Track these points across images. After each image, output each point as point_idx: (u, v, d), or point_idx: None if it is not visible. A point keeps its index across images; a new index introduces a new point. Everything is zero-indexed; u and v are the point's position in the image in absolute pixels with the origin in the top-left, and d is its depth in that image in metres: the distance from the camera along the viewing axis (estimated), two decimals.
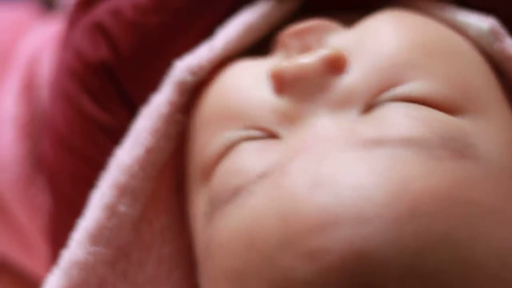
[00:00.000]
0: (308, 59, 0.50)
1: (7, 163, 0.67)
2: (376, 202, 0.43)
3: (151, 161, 0.53)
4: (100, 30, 0.58)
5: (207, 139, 0.52)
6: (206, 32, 0.56)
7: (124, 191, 0.53)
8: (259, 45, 0.56)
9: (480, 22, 0.53)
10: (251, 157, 0.49)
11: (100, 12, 0.58)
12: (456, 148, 0.46)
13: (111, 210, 0.52)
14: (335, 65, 0.50)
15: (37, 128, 0.67)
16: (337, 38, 0.52)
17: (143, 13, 0.56)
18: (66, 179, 0.59)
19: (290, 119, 0.49)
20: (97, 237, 0.52)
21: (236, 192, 0.48)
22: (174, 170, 0.56)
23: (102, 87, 0.57)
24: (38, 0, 0.83)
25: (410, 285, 0.42)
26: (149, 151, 0.53)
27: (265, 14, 0.55)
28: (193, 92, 0.55)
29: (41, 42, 0.70)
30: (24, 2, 0.82)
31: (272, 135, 0.50)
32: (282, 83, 0.50)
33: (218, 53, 0.54)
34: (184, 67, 0.54)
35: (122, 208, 0.53)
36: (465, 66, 0.51)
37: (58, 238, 0.55)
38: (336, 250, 0.42)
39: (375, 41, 0.51)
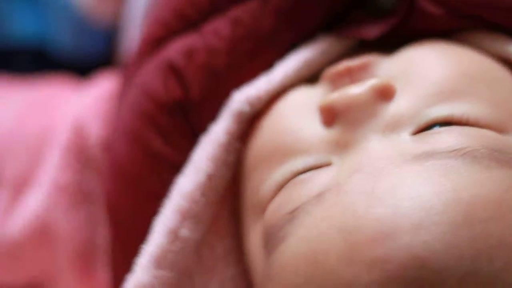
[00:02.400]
0: (358, 90, 0.52)
1: (69, 232, 0.68)
2: (431, 210, 0.45)
3: (212, 187, 0.55)
4: (172, 70, 0.59)
5: (260, 178, 0.54)
6: (268, 66, 0.58)
7: (186, 215, 0.54)
8: (316, 77, 0.58)
9: None
10: (305, 184, 0.51)
11: (172, 53, 0.60)
12: (504, 160, 0.48)
13: (174, 234, 0.54)
14: (384, 93, 0.52)
15: (87, 191, 0.68)
16: (384, 69, 0.54)
17: (215, 55, 0.58)
18: (133, 217, 0.60)
19: (343, 146, 0.51)
20: (161, 261, 0.54)
21: (292, 215, 0.49)
22: (233, 196, 0.58)
23: (173, 126, 0.59)
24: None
25: (468, 286, 0.44)
26: (210, 177, 0.55)
27: (323, 51, 0.58)
28: (251, 122, 0.57)
29: (83, 107, 0.71)
30: (55, 75, 0.83)
31: (325, 163, 0.51)
32: (332, 115, 0.52)
33: (275, 86, 0.56)
34: (242, 98, 0.56)
35: (184, 232, 0.54)
36: (504, 88, 0.53)
37: (123, 274, 0.56)
38: (397, 258, 0.44)
39: (421, 70, 0.53)
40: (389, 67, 0.54)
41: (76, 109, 0.71)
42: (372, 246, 0.45)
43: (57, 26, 0.94)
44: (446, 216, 0.44)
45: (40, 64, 0.94)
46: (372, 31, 0.57)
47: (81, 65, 0.93)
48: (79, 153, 0.69)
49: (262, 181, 0.54)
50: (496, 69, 0.55)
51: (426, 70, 0.53)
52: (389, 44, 0.57)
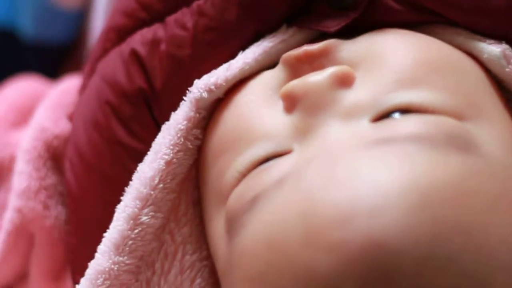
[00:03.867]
0: (317, 77, 0.52)
1: (43, 234, 0.67)
2: (389, 195, 0.45)
3: (171, 173, 0.56)
4: (135, 60, 0.59)
5: (223, 166, 0.54)
6: (231, 57, 0.58)
7: (146, 202, 0.55)
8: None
9: (493, 47, 0.55)
10: (266, 172, 0.51)
11: (136, 43, 0.60)
12: (461, 145, 0.48)
13: (134, 221, 0.55)
14: (343, 80, 0.52)
15: (62, 194, 0.68)
16: (345, 54, 0.54)
17: (178, 46, 0.59)
18: (95, 204, 0.61)
19: (303, 132, 0.52)
20: (120, 247, 0.54)
21: (253, 202, 0.50)
22: (194, 183, 0.58)
23: (135, 115, 0.59)
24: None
25: (425, 271, 0.44)
26: (168, 164, 0.55)
27: (283, 40, 0.58)
28: (212, 110, 0.57)
29: (41, 117, 0.69)
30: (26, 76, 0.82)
31: (286, 151, 0.52)
32: (293, 102, 0.53)
33: (234, 74, 0.57)
34: (201, 85, 0.56)
35: (144, 218, 0.55)
36: (466, 78, 0.54)
37: (84, 262, 0.56)
38: (355, 241, 0.44)
39: (381, 57, 0.53)
40: (349, 53, 0.54)
41: (37, 117, 0.70)
42: (330, 230, 0.45)
43: (23, 9, 0.94)
44: (403, 200, 0.45)
45: (9, 46, 0.94)
46: (333, 25, 0.57)
47: (49, 49, 0.92)
48: (46, 158, 0.68)
49: (225, 169, 0.54)
50: (456, 59, 0.55)
51: (386, 57, 0.53)
52: (350, 37, 0.57)
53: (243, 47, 0.58)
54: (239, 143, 0.54)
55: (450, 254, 0.44)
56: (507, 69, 0.55)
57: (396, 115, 0.50)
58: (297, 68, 0.54)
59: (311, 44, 0.55)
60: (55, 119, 0.68)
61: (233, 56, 0.58)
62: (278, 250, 0.47)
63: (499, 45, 0.55)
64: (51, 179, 0.67)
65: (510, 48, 0.56)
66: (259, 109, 0.54)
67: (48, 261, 0.68)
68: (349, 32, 0.57)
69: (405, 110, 0.50)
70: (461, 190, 0.46)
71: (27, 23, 0.94)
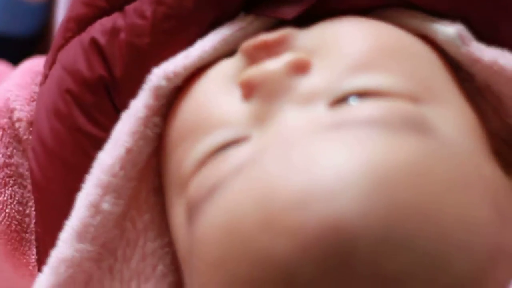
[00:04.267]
0: (273, 64, 0.53)
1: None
2: (344, 178, 0.46)
3: (131, 161, 0.56)
4: (95, 48, 0.60)
5: (182, 154, 0.54)
6: (189, 45, 0.59)
7: (106, 189, 0.55)
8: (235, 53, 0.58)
9: (447, 28, 0.56)
10: (224, 160, 0.52)
11: (95, 32, 0.60)
12: (417, 128, 0.49)
13: (95, 208, 0.55)
14: (299, 67, 0.53)
15: (14, 171, 0.67)
16: (301, 43, 0.55)
17: (137, 35, 0.59)
18: (58, 192, 0.61)
19: (260, 119, 0.52)
20: (82, 235, 0.55)
21: (211, 191, 0.50)
22: (154, 170, 0.58)
23: (96, 103, 0.59)
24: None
25: (382, 254, 0.45)
26: (128, 152, 0.56)
27: (241, 28, 0.58)
28: (171, 98, 0.57)
29: (6, 90, 0.69)
30: None
31: (244, 137, 0.52)
32: (250, 89, 0.53)
33: (193, 61, 0.57)
34: (160, 73, 0.57)
35: (105, 206, 0.55)
36: (420, 63, 0.54)
37: (49, 251, 0.57)
38: (311, 225, 0.45)
39: (337, 43, 0.54)
40: (305, 41, 0.55)
41: (4, 91, 0.70)
42: (287, 215, 0.46)
43: None
44: (358, 184, 0.45)
45: None
46: (290, 12, 0.58)
47: (15, 40, 0.92)
48: (5, 133, 0.68)
49: (184, 157, 0.54)
50: (411, 43, 0.56)
51: (342, 43, 0.54)
52: (309, 24, 0.57)
53: (202, 35, 0.59)
54: (197, 131, 0.54)
55: (406, 236, 0.45)
56: (462, 50, 0.56)
57: (352, 99, 0.51)
58: (255, 57, 0.55)
59: (268, 33, 0.55)
60: (21, 101, 0.68)
61: (192, 44, 0.58)
62: (235, 236, 0.47)
63: (454, 26, 0.56)
64: (14, 159, 0.67)
65: (465, 29, 0.56)
66: (217, 97, 0.55)
67: (1, 238, 0.67)
68: (307, 20, 0.57)
69: (361, 94, 0.51)
70: (417, 172, 0.47)
71: None
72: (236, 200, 0.48)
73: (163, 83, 0.57)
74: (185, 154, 0.54)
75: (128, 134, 0.56)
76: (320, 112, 0.51)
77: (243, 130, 0.53)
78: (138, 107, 0.57)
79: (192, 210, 0.52)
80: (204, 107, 0.55)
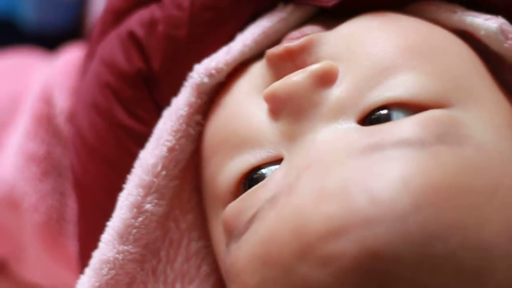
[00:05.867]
0: (298, 77, 0.51)
1: (34, 202, 0.68)
2: (381, 203, 0.45)
3: (174, 160, 0.55)
4: (133, 41, 0.59)
5: (216, 165, 0.54)
6: (229, 38, 0.58)
7: (149, 190, 0.54)
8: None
9: (489, 22, 0.54)
10: (260, 187, 0.50)
11: (133, 24, 0.60)
12: (452, 140, 0.47)
13: (137, 209, 0.54)
14: (325, 78, 0.51)
15: (56, 162, 0.68)
16: (326, 48, 0.53)
17: (175, 26, 0.58)
18: (99, 189, 0.60)
19: (290, 138, 0.51)
20: (124, 236, 0.54)
21: (249, 221, 0.49)
22: (195, 169, 0.57)
23: (135, 97, 0.59)
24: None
25: (422, 273, 0.44)
26: (171, 151, 0.55)
27: (282, 19, 0.57)
28: (213, 95, 0.56)
29: (50, 77, 0.71)
30: (23, 48, 0.83)
31: (277, 157, 0.51)
32: (277, 104, 0.51)
33: (235, 56, 0.56)
34: (202, 69, 0.56)
35: (148, 207, 0.54)
36: (451, 58, 0.52)
37: (90, 248, 0.56)
38: (349, 252, 0.44)
39: (361, 47, 0.52)
40: (330, 46, 0.53)
41: (45, 78, 0.71)
42: (324, 243, 0.45)
43: None
44: (395, 207, 0.44)
45: (8, 36, 0.93)
46: None
47: (49, 38, 0.92)
48: (48, 124, 0.69)
49: (217, 171, 0.53)
50: (442, 39, 0.54)
51: (367, 47, 0.52)
52: (350, 12, 0.56)
53: (241, 27, 0.58)
54: (231, 143, 0.53)
55: (446, 253, 0.44)
56: (505, 45, 0.54)
57: (382, 113, 0.49)
58: (280, 67, 0.53)
59: (292, 40, 0.54)
60: (64, 91, 0.68)
61: (231, 38, 0.57)
62: (273, 264, 0.47)
63: (496, 20, 0.54)
64: (56, 149, 0.68)
65: (507, 23, 0.54)
66: (247, 110, 0.53)
67: (43, 229, 0.68)
68: (347, 8, 0.56)
69: (391, 106, 0.49)
70: (454, 188, 0.45)
71: (29, 12, 0.94)
72: (274, 231, 0.47)
73: (206, 80, 0.56)
74: (218, 168, 0.53)
75: (170, 133, 0.55)
76: (351, 130, 0.49)
77: (275, 150, 0.51)
78: (180, 105, 0.56)
79: (230, 236, 0.51)
80: (236, 118, 0.54)
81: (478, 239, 0.45)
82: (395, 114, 0.49)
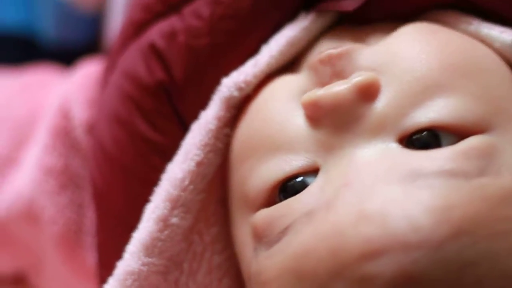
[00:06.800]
0: (342, 87, 0.51)
1: (53, 215, 0.69)
2: (421, 230, 0.46)
3: (201, 174, 0.56)
4: (154, 52, 0.59)
5: (247, 170, 0.54)
6: (253, 50, 0.58)
7: (176, 204, 0.55)
8: (301, 54, 0.58)
9: (504, 34, 0.55)
10: (295, 199, 0.51)
11: (153, 35, 0.60)
12: (493, 171, 0.48)
13: (164, 223, 0.55)
14: (368, 92, 0.51)
15: (73, 174, 0.69)
16: (368, 58, 0.53)
17: (196, 36, 0.58)
18: (118, 200, 0.60)
19: (328, 148, 0.51)
20: (150, 249, 0.55)
21: (282, 232, 0.50)
22: (222, 182, 0.58)
23: (156, 109, 0.59)
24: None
25: None
26: (199, 165, 0.55)
27: (305, 28, 0.57)
28: (240, 107, 0.57)
29: (68, 91, 0.71)
30: (42, 64, 0.84)
31: (312, 166, 0.52)
32: (318, 113, 0.52)
33: (262, 68, 0.56)
34: (230, 83, 0.56)
35: (174, 220, 0.55)
36: (492, 79, 0.53)
37: (110, 259, 0.57)
38: (386, 274, 0.45)
39: (403, 61, 0.52)
40: (370, 56, 0.54)
41: (62, 93, 0.71)
42: (361, 264, 0.46)
43: (42, 13, 0.94)
44: (434, 235, 0.45)
45: (26, 52, 0.94)
46: (350, 3, 0.56)
47: (67, 53, 0.93)
48: (65, 137, 0.69)
49: (248, 175, 0.54)
50: (481, 55, 0.55)
51: (409, 61, 0.52)
52: (372, 20, 0.57)
53: (263, 38, 0.58)
54: (264, 148, 0.53)
55: (477, 279, 0.45)
56: None
57: (425, 135, 0.50)
58: (318, 72, 0.54)
59: (334, 47, 0.54)
60: (82, 104, 0.69)
61: (255, 47, 0.58)
62: (306, 281, 0.47)
63: (511, 33, 0.55)
64: (74, 161, 0.68)
65: None
66: (283, 114, 0.54)
67: (61, 241, 0.68)
68: (367, 15, 0.57)
69: (432, 129, 0.50)
70: (492, 217, 0.47)
71: (48, 28, 0.95)
72: (309, 246, 0.48)
73: (235, 93, 0.56)
74: (250, 172, 0.54)
75: (199, 147, 0.56)
76: (393, 151, 0.50)
77: (311, 159, 0.52)
78: (209, 119, 0.56)
79: (259, 242, 0.52)
80: (270, 123, 0.54)
81: (507, 265, 0.46)
82: (442, 137, 0.50)
